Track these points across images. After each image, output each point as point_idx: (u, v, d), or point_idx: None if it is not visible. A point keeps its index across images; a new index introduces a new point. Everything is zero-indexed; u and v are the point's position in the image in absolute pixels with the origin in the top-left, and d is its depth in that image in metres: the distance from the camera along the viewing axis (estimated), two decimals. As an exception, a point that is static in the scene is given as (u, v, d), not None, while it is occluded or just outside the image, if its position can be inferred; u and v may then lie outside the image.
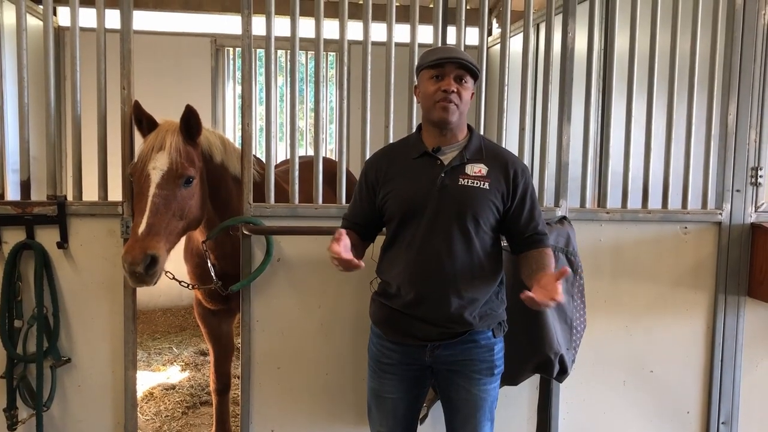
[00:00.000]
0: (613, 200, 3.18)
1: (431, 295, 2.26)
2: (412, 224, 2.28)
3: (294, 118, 2.91)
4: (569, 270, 2.06)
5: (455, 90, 2.24)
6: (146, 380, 4.74)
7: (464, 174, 2.28)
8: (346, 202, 2.84)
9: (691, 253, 3.19)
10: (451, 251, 2.24)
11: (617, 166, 3.18)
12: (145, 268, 2.44)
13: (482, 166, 2.29)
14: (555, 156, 3.09)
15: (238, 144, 3.14)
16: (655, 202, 3.19)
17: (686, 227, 3.18)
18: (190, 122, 2.70)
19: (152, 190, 2.56)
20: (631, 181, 3.16)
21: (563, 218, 2.98)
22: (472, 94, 2.34)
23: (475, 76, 2.30)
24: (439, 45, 3.05)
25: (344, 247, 2.07)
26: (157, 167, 2.59)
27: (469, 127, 2.40)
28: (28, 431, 2.77)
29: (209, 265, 2.92)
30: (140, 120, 2.70)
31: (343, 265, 2.09)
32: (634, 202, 3.18)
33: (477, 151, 2.33)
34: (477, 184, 2.26)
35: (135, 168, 2.63)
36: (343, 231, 2.12)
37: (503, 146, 2.78)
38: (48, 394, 2.75)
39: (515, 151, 2.97)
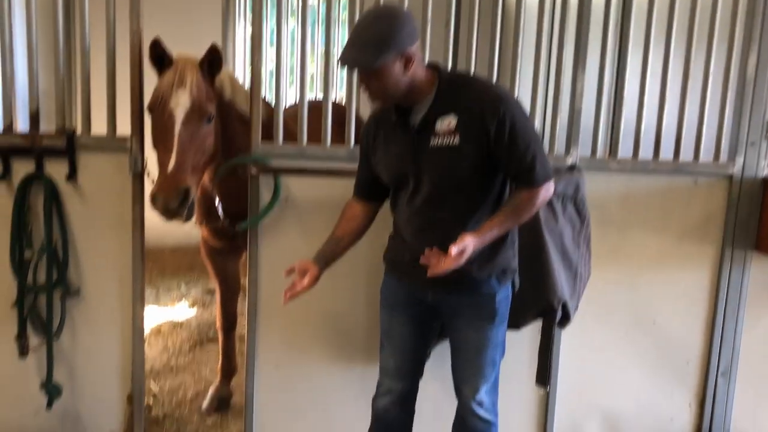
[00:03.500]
0: (625, 151, 3.14)
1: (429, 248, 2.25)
2: (402, 191, 2.31)
3: (304, 57, 2.87)
4: (454, 252, 2.04)
5: (365, 87, 2.17)
6: (154, 316, 4.83)
7: (434, 132, 2.17)
8: (355, 144, 2.82)
9: (701, 206, 3.16)
10: (439, 212, 2.23)
11: (630, 116, 3.13)
12: (180, 203, 2.47)
13: (452, 117, 2.15)
14: (568, 104, 3.04)
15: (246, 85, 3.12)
16: (666, 153, 3.15)
17: (697, 180, 3.15)
18: (213, 60, 2.68)
19: (177, 127, 2.56)
20: (643, 132, 3.12)
21: (573, 166, 2.96)
22: (407, 62, 2.09)
23: (376, 66, 2.06)
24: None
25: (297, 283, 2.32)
26: (180, 104, 2.58)
27: (437, 71, 2.24)
28: (39, 359, 2.84)
29: (216, 202, 2.93)
30: (160, 57, 2.66)
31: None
32: (646, 153, 3.15)
33: (445, 101, 2.18)
34: (447, 141, 2.15)
35: (155, 104, 2.61)
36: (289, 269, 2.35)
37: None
38: (57, 324, 2.80)
39: (528, 99, 2.94)
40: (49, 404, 2.83)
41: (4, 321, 2.80)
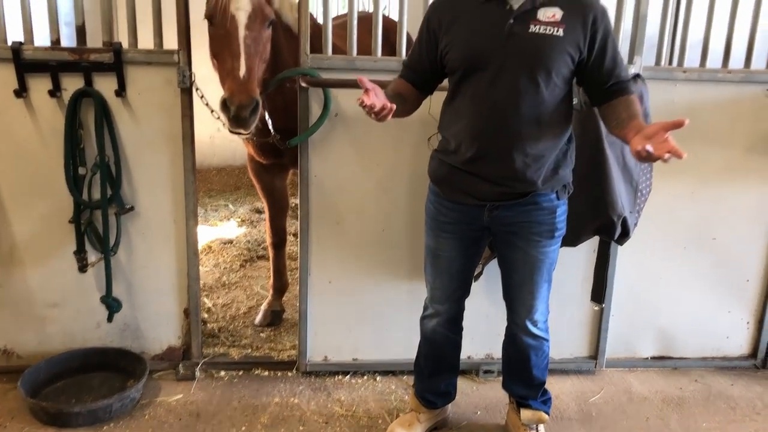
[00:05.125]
0: (691, 60, 2.97)
1: (493, 152, 2.17)
2: (476, 76, 2.14)
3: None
4: (685, 121, 1.80)
5: None
6: (204, 234, 4.89)
7: (535, 20, 2.09)
8: (407, 55, 2.72)
9: (771, 117, 3.00)
10: (517, 105, 2.11)
11: (698, 22, 2.94)
12: (251, 111, 2.42)
13: (556, 10, 2.09)
14: (633, 8, 2.86)
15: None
16: (737, 62, 2.97)
17: (768, 89, 2.97)
18: None
19: (242, 32, 2.48)
20: (712, 40, 2.93)
21: (637, 76, 2.79)
22: None
23: None
24: None
25: (373, 95, 1.97)
26: (241, 8, 2.50)
27: None
28: (98, 274, 2.90)
29: (266, 117, 2.88)
30: None
31: (374, 111, 1.97)
32: (715, 62, 2.97)
33: None
34: (550, 30, 2.08)
35: (215, 9, 2.52)
36: (364, 79, 1.99)
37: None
38: (114, 239, 2.84)
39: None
40: (110, 317, 2.91)
41: (64, 237, 2.85)
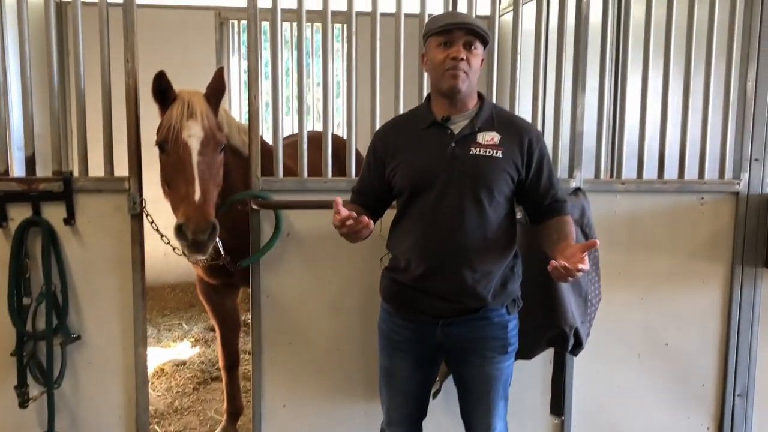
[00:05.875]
0: (628, 171, 3.11)
1: (442, 269, 2.21)
2: (422, 197, 2.22)
3: (302, 88, 2.84)
4: (597, 242, 2.02)
5: (464, 57, 2.15)
6: (157, 356, 4.74)
7: (475, 143, 2.20)
8: (356, 176, 2.79)
9: (708, 224, 3.13)
10: (462, 223, 2.18)
11: (632, 136, 3.11)
12: (208, 236, 2.42)
13: (494, 134, 2.21)
14: (569, 126, 3.02)
15: (239, 118, 3.10)
16: (671, 172, 3.12)
17: (703, 198, 3.11)
18: (219, 87, 2.70)
19: (195, 158, 2.53)
20: (646, 152, 3.09)
21: (578, 190, 2.92)
22: (482, 60, 2.26)
23: (485, 42, 2.22)
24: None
25: (347, 213, 2.02)
26: (194, 135, 2.56)
27: (480, 95, 2.32)
28: (40, 409, 2.76)
29: (217, 240, 2.88)
30: (164, 90, 2.64)
31: (352, 228, 2.03)
32: (650, 172, 3.12)
33: (488, 119, 2.25)
34: (489, 153, 2.19)
35: (167, 136, 2.56)
36: (339, 200, 2.05)
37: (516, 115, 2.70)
38: (58, 371, 2.73)
39: (528, 121, 2.91)
40: (51, 455, 2.75)
41: (4, 372, 2.72)
